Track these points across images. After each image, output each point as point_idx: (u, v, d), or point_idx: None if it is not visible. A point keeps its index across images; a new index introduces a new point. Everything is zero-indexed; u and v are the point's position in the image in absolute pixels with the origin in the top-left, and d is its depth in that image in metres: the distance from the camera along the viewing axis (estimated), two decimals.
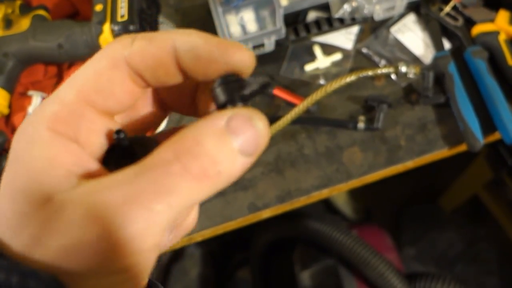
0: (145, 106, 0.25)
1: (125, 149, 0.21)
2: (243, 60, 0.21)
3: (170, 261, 1.40)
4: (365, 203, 1.55)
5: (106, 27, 0.59)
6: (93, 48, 0.61)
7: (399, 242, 1.51)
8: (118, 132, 0.21)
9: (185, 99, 0.25)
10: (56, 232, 0.18)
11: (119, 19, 0.58)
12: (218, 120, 0.19)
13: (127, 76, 0.21)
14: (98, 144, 0.21)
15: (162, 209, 0.18)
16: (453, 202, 1.48)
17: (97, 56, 0.21)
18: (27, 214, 0.18)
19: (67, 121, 0.20)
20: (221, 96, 0.21)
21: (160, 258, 1.28)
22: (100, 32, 0.59)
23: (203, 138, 0.19)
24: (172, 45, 0.21)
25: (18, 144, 0.20)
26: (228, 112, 0.19)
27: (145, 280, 0.20)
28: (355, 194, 1.51)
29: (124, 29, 0.58)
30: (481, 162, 1.17)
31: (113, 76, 0.21)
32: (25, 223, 0.18)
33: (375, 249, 0.88)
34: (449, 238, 1.49)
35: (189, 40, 0.21)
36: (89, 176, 0.19)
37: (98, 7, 0.60)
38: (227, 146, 0.19)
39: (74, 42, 0.61)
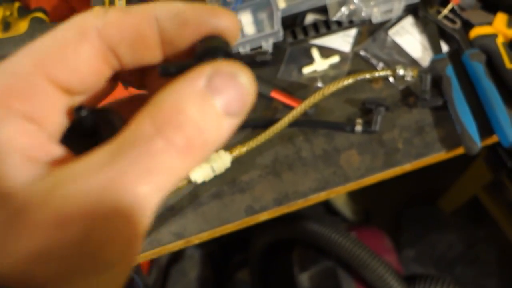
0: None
1: (88, 128, 0.19)
2: (231, 24, 0.19)
3: (169, 262, 1.40)
4: (365, 204, 1.55)
5: None
6: None
7: (399, 243, 1.51)
8: (79, 108, 0.18)
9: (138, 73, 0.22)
10: (21, 237, 0.15)
11: None
12: (197, 80, 0.17)
13: (96, 51, 0.18)
14: (58, 124, 0.18)
15: (149, 193, 0.16)
16: (452, 203, 1.48)
17: (63, 25, 0.18)
18: None
19: (21, 95, 0.16)
20: (200, 49, 0.19)
21: (159, 260, 1.28)
22: None
23: (185, 104, 0.16)
24: (153, 14, 0.18)
25: None
26: (208, 69, 0.17)
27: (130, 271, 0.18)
28: (355, 195, 1.51)
29: None
30: (480, 164, 1.16)
31: (80, 48, 0.18)
32: None
33: (374, 251, 0.88)
34: (449, 239, 1.49)
35: (172, 7, 0.19)
36: (53, 163, 0.16)
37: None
38: (211, 110, 0.17)
39: None
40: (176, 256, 1.39)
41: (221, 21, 0.19)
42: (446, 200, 1.51)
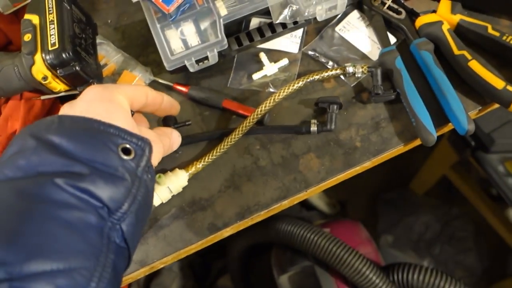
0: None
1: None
2: (176, 108, 0.57)
3: (148, 278, 1.37)
4: (339, 196, 1.55)
5: (38, 57, 0.56)
6: (28, 80, 0.58)
7: (376, 230, 1.52)
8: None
9: None
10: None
11: (50, 48, 0.55)
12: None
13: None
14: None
15: (164, 145, 0.50)
16: (424, 185, 1.50)
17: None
18: None
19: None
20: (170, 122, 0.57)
21: (137, 280, 1.24)
22: (32, 63, 0.56)
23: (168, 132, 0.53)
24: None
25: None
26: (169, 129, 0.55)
27: None
28: (328, 188, 1.51)
29: (56, 58, 0.55)
30: (446, 145, 1.18)
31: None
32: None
33: (350, 246, 0.88)
34: (424, 220, 1.51)
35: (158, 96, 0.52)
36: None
37: (27, 37, 0.56)
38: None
39: (6, 76, 0.58)
40: (154, 272, 1.36)
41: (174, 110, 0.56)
42: (417, 183, 1.52)
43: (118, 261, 0.36)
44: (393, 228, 1.52)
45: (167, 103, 0.52)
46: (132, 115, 0.45)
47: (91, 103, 0.41)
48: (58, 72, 0.56)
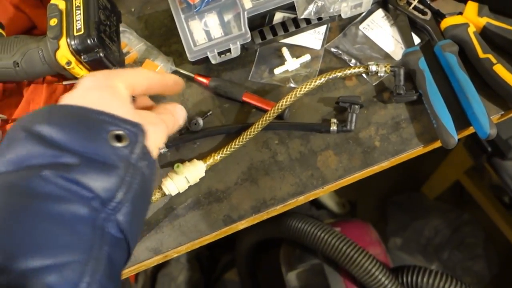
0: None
1: None
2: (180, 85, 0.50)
3: (156, 268, 1.38)
4: (350, 196, 1.54)
5: (63, 42, 0.56)
6: (51, 64, 0.58)
7: (385, 232, 1.51)
8: None
9: None
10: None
11: (75, 33, 0.55)
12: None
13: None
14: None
15: (163, 120, 0.44)
16: (436, 189, 1.49)
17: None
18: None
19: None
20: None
21: (145, 269, 1.26)
22: (56, 47, 0.56)
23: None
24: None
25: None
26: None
27: None
28: (340, 188, 1.50)
29: (81, 44, 0.55)
30: (461, 149, 1.17)
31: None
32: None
33: (359, 246, 0.88)
34: (434, 225, 1.49)
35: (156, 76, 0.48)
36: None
37: (53, 21, 0.57)
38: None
39: (30, 59, 0.59)
40: (163, 262, 1.36)
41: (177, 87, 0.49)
42: (429, 187, 1.51)
43: (114, 253, 0.35)
44: (402, 231, 1.51)
45: (171, 81, 0.49)
46: (134, 100, 0.45)
47: (88, 91, 0.40)
48: (82, 57, 0.56)
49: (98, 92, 0.39)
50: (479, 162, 1.11)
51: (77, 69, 0.58)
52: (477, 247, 1.47)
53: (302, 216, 0.96)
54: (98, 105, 0.37)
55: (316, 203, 1.49)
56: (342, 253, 0.87)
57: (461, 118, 0.59)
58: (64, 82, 0.63)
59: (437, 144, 0.60)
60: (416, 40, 0.64)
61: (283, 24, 0.64)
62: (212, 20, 0.63)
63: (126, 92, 0.41)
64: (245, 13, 0.61)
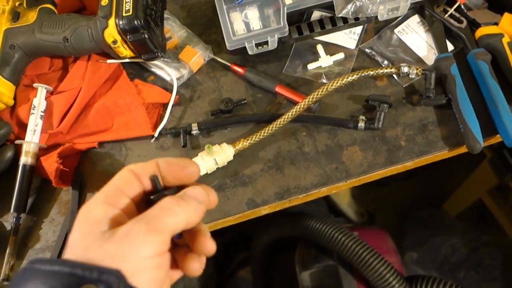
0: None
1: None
2: (194, 170, 0.38)
3: None
4: (369, 206, 1.54)
5: (111, 21, 0.60)
6: (98, 42, 0.62)
7: (402, 246, 1.50)
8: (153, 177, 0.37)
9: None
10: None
11: (124, 14, 0.59)
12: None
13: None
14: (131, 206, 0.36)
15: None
16: (457, 207, 1.47)
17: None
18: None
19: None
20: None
21: None
22: (105, 26, 0.60)
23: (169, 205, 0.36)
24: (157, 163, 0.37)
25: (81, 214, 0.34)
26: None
27: None
28: (359, 197, 1.51)
29: (128, 24, 0.59)
30: (486, 167, 1.16)
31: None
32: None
33: (376, 251, 0.88)
34: (453, 243, 1.48)
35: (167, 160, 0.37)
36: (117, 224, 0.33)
37: (104, 1, 0.61)
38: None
39: (79, 35, 0.62)
40: None
41: (188, 169, 0.38)
42: (451, 204, 1.50)
43: None
44: (419, 246, 1.50)
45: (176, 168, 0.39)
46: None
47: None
48: (127, 37, 0.60)
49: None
50: (504, 181, 1.10)
51: (122, 48, 0.62)
52: (494, 270, 1.44)
53: (320, 217, 0.97)
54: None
55: (335, 210, 1.50)
56: (358, 256, 0.87)
57: (489, 125, 0.60)
58: (108, 61, 0.66)
59: (463, 149, 0.61)
60: (450, 47, 0.66)
61: (320, 21, 0.66)
62: (252, 13, 0.66)
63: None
64: (285, 8, 0.63)
